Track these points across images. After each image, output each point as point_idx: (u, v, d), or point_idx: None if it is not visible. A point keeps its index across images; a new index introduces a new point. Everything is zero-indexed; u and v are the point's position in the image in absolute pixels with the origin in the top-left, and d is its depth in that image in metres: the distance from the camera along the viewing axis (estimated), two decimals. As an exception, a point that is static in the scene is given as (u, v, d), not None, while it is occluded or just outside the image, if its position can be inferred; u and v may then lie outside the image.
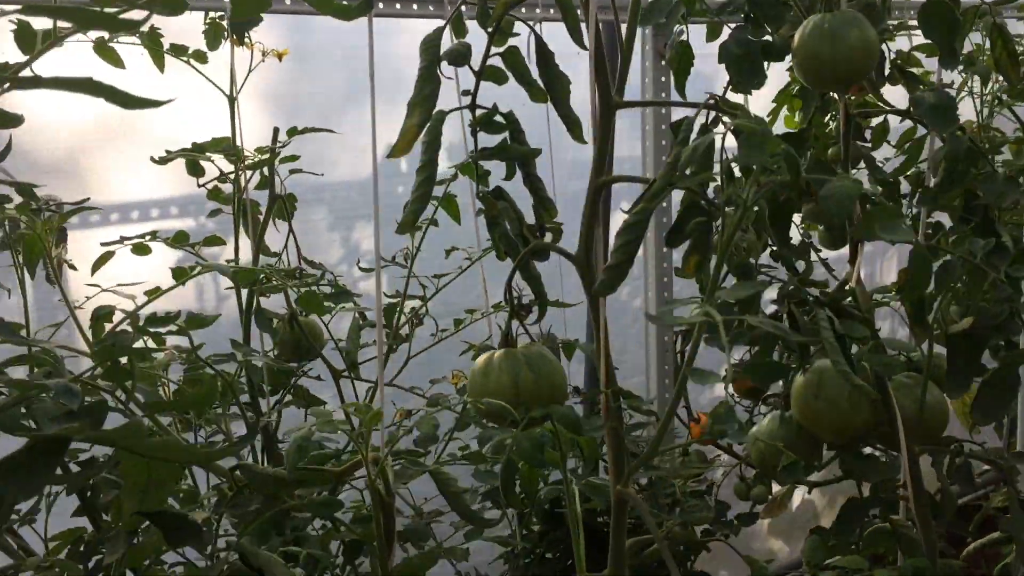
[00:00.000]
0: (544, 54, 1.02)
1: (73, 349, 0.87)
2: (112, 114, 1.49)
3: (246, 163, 1.42)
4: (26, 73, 0.63)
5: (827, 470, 1.10)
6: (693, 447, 1.63)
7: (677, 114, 1.96)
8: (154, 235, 1.31)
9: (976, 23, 1.20)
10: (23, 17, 0.96)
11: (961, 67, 1.38)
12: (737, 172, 0.76)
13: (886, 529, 1.05)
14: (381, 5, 1.60)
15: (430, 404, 1.23)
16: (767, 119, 1.53)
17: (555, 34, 1.03)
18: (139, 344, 0.99)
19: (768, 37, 0.98)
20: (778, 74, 1.32)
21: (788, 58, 0.98)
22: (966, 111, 1.64)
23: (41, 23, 0.81)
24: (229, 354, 0.96)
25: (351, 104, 1.70)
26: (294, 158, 1.47)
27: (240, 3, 1.26)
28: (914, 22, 1.04)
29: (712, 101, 0.87)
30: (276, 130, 1.43)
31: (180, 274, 1.05)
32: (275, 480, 0.72)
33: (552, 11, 1.63)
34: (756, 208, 0.73)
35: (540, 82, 1.02)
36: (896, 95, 1.24)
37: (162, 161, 1.40)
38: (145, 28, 1.39)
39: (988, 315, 0.91)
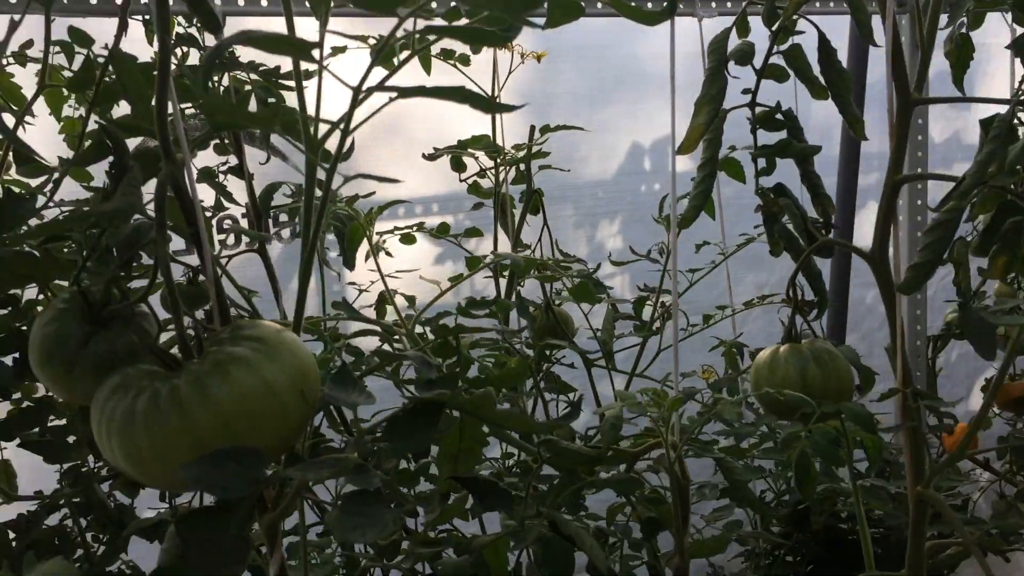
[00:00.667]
0: (827, 51, 1.02)
1: (384, 326, 0.97)
2: (385, 114, 1.62)
3: (505, 159, 1.50)
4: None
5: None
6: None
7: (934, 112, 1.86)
8: (421, 226, 1.42)
9: None
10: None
11: None
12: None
13: None
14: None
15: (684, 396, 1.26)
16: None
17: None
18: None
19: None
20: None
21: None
22: None
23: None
24: (516, 330, 1.02)
25: (598, 104, 1.75)
26: (545, 154, 1.54)
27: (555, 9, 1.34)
28: None
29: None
30: (533, 128, 1.51)
31: (474, 263, 1.14)
32: (579, 456, 0.77)
33: (831, 4, 1.61)
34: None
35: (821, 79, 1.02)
36: None
37: (431, 157, 1.51)
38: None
39: None
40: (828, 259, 1.18)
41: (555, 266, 1.14)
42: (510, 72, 1.51)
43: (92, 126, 0.69)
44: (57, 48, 1.13)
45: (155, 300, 0.66)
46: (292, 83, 1.28)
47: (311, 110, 0.67)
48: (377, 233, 1.39)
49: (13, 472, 1.27)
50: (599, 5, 1.51)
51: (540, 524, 0.75)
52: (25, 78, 1.21)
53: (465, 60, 1.51)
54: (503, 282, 1.46)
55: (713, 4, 1.59)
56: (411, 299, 1.34)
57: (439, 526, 0.94)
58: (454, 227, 1.46)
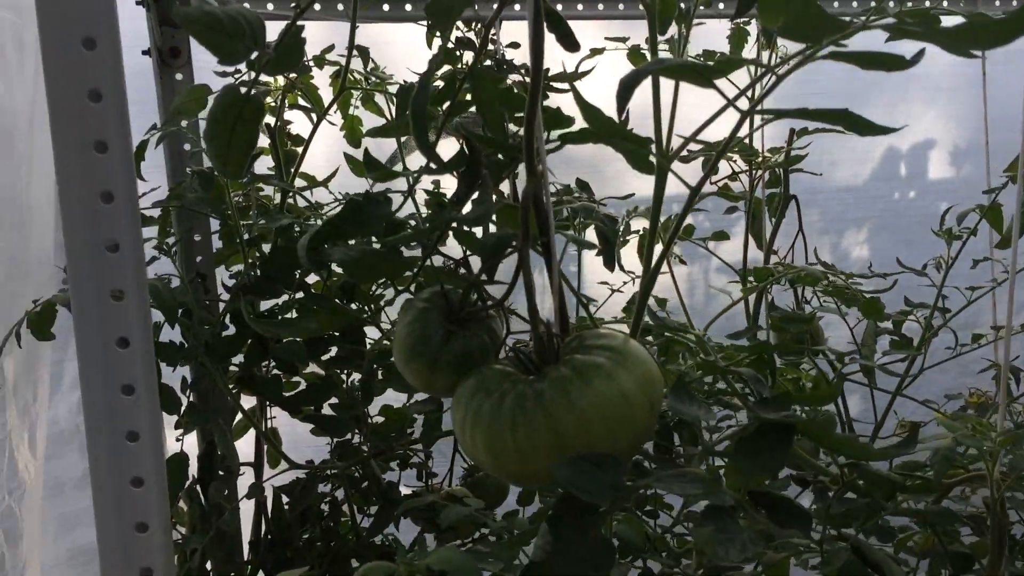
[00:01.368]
0: None
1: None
2: (633, 115, 1.62)
3: (760, 162, 1.47)
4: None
5: None
6: None
7: None
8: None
9: None
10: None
11: None
12: None
13: None
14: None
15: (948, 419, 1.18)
16: None
17: None
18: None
19: None
20: None
21: None
22: None
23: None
24: (818, 348, 1.00)
25: (854, 105, 1.67)
26: (799, 159, 1.49)
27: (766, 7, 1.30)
28: None
29: None
30: (792, 131, 1.46)
31: (762, 274, 1.12)
32: (889, 483, 0.74)
33: None
34: None
35: None
36: None
37: (685, 160, 1.50)
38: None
39: None
40: None
41: (829, 274, 1.10)
42: (775, 76, 1.47)
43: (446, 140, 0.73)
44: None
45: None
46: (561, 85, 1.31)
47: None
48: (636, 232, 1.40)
49: (279, 439, 1.39)
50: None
51: (844, 549, 0.74)
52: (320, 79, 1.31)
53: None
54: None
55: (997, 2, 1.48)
56: (663, 302, 1.34)
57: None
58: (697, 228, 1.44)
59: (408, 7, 1.34)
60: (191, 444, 1.21)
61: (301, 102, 1.30)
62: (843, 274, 1.15)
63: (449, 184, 1.03)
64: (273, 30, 1.24)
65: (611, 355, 0.59)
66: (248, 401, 1.25)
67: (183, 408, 1.12)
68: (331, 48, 1.27)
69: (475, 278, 0.64)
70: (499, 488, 1.27)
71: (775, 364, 0.79)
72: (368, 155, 0.77)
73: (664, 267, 1.48)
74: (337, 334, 1.12)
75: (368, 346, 1.14)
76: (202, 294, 1.19)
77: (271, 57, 0.56)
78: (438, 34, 1.36)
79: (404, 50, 1.42)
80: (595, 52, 1.43)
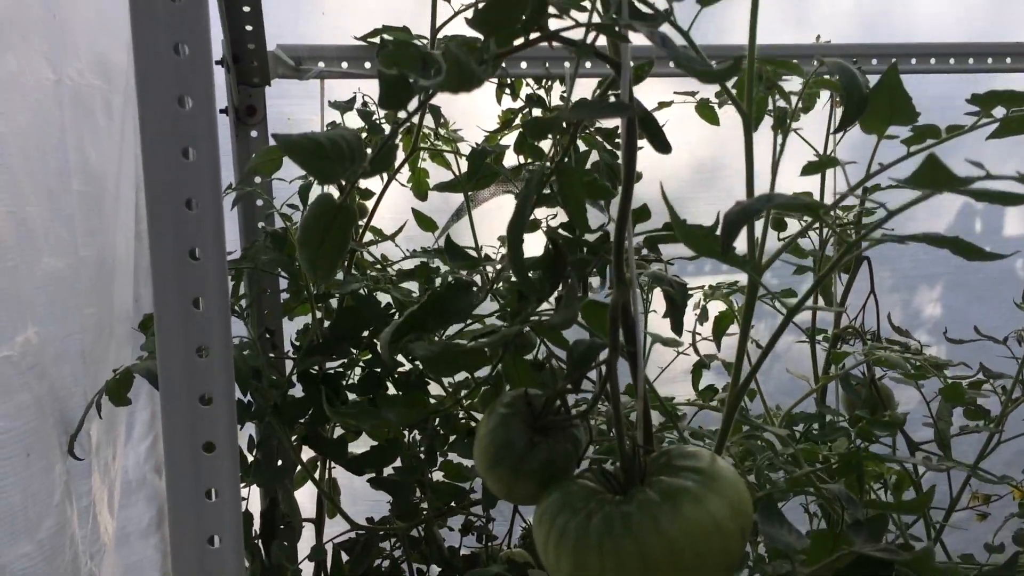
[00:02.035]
0: None
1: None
2: (704, 166, 1.62)
3: (833, 220, 1.44)
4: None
5: None
6: None
7: None
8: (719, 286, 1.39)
9: None
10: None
11: None
12: None
13: None
14: None
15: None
16: None
17: None
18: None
19: None
20: None
21: None
22: None
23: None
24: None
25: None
26: (870, 212, 1.45)
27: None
28: None
29: None
30: (866, 190, 1.43)
31: (839, 358, 1.09)
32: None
33: None
34: None
35: None
36: None
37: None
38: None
39: None
40: None
41: (907, 357, 1.07)
42: (846, 130, 1.44)
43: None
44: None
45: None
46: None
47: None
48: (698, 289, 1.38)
49: (338, 490, 1.39)
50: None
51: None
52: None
53: (796, 116, 1.46)
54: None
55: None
56: (729, 366, 1.32)
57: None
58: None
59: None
60: (253, 497, 1.22)
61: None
62: (918, 354, 1.11)
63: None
64: (345, 88, 1.26)
65: (700, 478, 0.58)
66: (308, 450, 1.25)
67: (250, 466, 1.12)
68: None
69: (561, 387, 0.63)
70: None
71: (863, 469, 0.76)
72: (449, 241, 0.77)
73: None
74: (402, 393, 1.12)
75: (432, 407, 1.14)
76: (270, 351, 1.20)
77: (366, 169, 0.56)
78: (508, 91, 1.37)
79: (472, 101, 1.42)
80: (663, 105, 1.42)
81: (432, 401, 1.12)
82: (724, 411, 0.65)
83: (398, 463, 1.18)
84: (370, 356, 1.13)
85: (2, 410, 0.81)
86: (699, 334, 1.34)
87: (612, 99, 0.67)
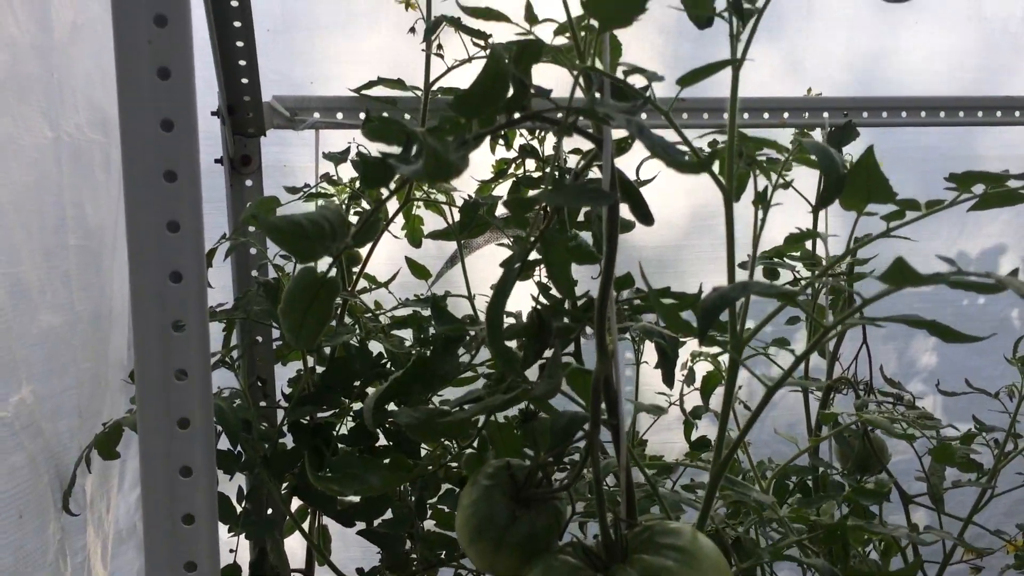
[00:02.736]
0: None
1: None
2: (700, 212, 1.62)
3: (824, 271, 1.44)
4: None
5: None
6: None
7: None
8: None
9: None
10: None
11: None
12: None
13: None
14: None
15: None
16: None
17: None
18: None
19: None
20: None
21: None
22: None
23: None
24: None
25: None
26: (863, 261, 1.46)
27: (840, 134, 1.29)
28: None
29: None
30: (854, 240, 1.44)
31: (829, 419, 1.09)
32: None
33: None
34: None
35: None
36: None
37: (743, 265, 1.48)
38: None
39: None
40: None
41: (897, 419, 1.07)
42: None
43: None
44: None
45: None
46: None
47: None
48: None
49: (329, 536, 1.38)
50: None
51: None
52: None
53: (788, 166, 1.47)
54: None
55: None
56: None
57: None
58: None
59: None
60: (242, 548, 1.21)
61: (364, 205, 1.32)
62: (912, 407, 1.11)
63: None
64: (340, 138, 1.27)
65: (681, 556, 0.58)
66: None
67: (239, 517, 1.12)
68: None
69: (543, 460, 0.63)
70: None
71: (848, 540, 0.76)
72: (436, 304, 0.77)
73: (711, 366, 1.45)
74: (392, 444, 1.12)
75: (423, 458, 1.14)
76: (260, 400, 1.21)
77: (349, 244, 0.56)
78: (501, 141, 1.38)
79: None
80: (657, 154, 1.43)
81: (423, 451, 1.12)
82: (708, 480, 0.65)
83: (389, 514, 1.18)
84: (361, 406, 1.13)
85: (-4, 473, 0.81)
86: (685, 393, 1.34)
87: (596, 168, 0.67)
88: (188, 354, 0.60)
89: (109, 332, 1.07)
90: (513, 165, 1.35)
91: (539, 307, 0.68)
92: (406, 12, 1.20)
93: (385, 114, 1.32)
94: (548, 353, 0.68)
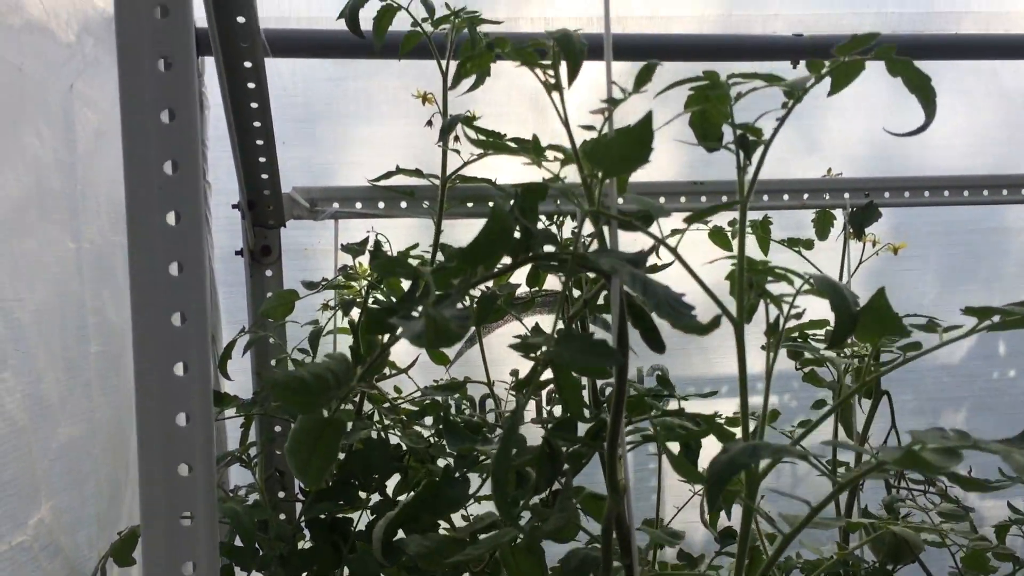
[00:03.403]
0: None
1: None
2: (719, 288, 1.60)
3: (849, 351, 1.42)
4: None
5: None
6: None
7: None
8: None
9: None
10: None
11: None
12: None
13: None
14: None
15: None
16: None
17: None
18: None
19: None
20: None
21: None
22: None
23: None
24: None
25: (950, 283, 1.61)
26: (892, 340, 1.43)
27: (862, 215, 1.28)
28: None
29: None
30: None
31: (855, 527, 1.06)
32: None
33: None
34: None
35: None
36: None
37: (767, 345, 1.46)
38: (759, 216, 1.49)
39: None
40: None
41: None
42: (861, 261, 1.43)
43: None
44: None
45: None
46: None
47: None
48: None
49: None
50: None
51: None
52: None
53: (808, 245, 1.46)
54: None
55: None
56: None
57: None
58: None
59: (491, 204, 1.36)
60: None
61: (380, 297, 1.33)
62: (944, 495, 1.08)
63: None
64: (360, 223, 1.28)
65: None
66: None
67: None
68: (415, 246, 1.29)
69: (553, 602, 0.62)
70: None
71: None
72: (448, 422, 0.77)
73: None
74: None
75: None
76: (279, 491, 1.20)
77: (353, 388, 0.56)
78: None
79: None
80: (675, 232, 1.42)
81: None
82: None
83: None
84: (380, 500, 1.12)
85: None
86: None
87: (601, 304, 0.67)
88: (188, 350, 0.60)
89: (128, 436, 1.08)
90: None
91: (549, 434, 0.67)
92: (423, 106, 1.21)
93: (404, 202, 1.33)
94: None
